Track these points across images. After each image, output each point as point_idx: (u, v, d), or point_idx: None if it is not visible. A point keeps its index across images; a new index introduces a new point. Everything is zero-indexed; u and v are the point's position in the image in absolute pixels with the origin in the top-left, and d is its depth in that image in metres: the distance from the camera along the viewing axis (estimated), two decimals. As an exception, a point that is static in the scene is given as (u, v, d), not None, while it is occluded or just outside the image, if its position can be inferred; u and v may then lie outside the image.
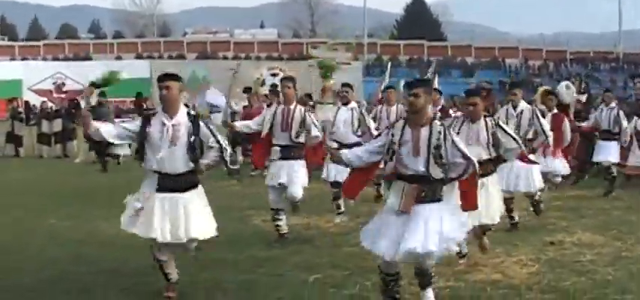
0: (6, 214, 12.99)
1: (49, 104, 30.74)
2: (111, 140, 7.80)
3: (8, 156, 26.26)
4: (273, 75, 15.04)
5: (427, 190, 6.87)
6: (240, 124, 11.56)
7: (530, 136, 11.30)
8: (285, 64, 59.26)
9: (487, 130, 8.88)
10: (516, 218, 11.41)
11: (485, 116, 9.03)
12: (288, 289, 8.09)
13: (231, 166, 8.25)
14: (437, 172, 6.85)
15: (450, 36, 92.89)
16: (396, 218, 6.91)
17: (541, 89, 17.18)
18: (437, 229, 6.74)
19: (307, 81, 34.20)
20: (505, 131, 9.03)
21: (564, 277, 8.46)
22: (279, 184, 10.42)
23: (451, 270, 8.58)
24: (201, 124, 7.63)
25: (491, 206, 8.89)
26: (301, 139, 10.53)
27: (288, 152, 10.48)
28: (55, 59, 72.12)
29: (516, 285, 8.21)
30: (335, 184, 12.07)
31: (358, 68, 64.16)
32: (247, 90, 21.77)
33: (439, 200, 6.93)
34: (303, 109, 10.73)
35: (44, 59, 71.90)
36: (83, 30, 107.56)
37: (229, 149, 7.83)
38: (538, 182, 11.66)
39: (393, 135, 7.00)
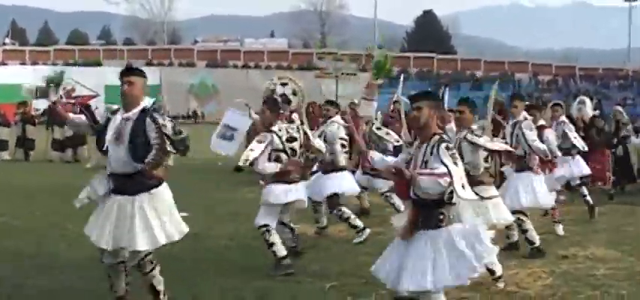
0: (21, 218, 13.06)
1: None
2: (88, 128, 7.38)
3: (19, 160, 26.35)
4: (283, 84, 14.81)
5: (421, 214, 6.06)
6: None
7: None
8: (295, 74, 59.24)
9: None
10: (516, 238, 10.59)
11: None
12: (305, 297, 8.18)
13: None
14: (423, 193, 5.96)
15: (458, 49, 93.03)
16: (401, 244, 6.23)
17: (550, 104, 17.20)
18: (434, 264, 5.89)
19: (316, 91, 34.22)
20: (474, 144, 8.67)
21: (579, 291, 8.46)
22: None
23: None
24: (148, 121, 6.89)
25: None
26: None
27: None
28: (66, 64, 72.44)
29: (531, 297, 8.25)
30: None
31: (368, 80, 64.29)
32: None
33: (438, 227, 6.01)
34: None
35: (54, 64, 72.16)
36: (93, 36, 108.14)
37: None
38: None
39: (410, 152, 6.42)
